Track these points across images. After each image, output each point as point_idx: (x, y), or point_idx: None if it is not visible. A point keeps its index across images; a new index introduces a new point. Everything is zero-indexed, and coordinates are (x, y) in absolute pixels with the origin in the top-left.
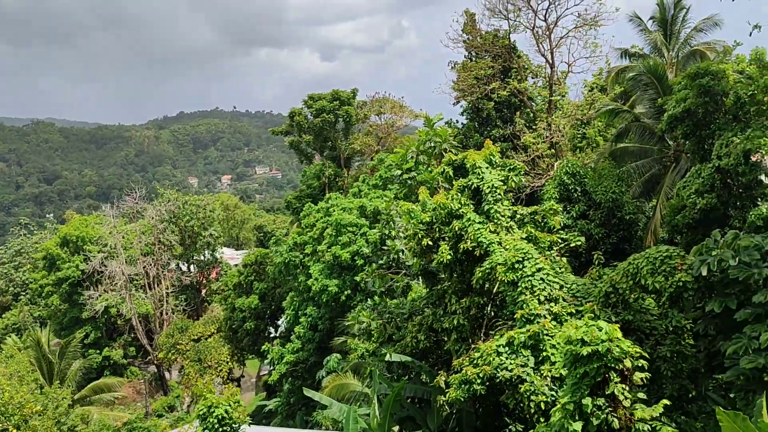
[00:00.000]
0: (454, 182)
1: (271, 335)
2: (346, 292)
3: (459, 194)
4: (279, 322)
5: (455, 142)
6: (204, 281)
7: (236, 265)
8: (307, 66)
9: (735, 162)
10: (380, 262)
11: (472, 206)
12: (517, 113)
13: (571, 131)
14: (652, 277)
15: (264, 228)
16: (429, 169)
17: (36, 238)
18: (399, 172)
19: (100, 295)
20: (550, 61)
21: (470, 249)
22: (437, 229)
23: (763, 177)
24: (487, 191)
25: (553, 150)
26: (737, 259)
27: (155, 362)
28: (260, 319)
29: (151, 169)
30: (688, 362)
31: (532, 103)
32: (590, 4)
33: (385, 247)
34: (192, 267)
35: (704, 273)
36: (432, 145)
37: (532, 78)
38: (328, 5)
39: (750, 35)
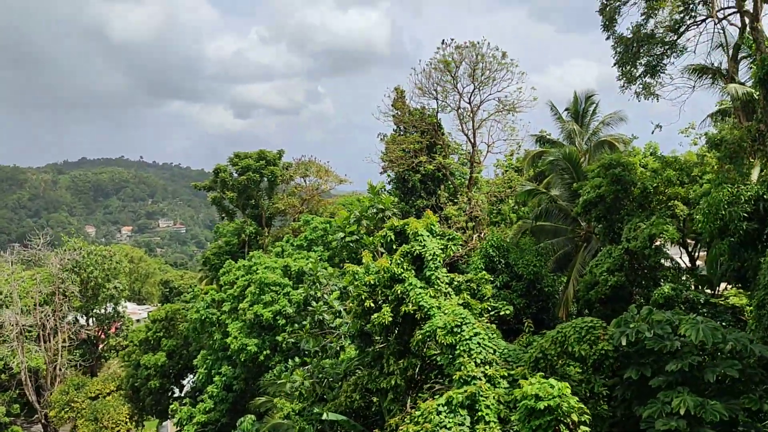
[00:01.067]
0: (394, 247)
1: (175, 395)
2: (265, 352)
3: (402, 259)
4: (184, 382)
5: (396, 210)
6: (103, 336)
7: (138, 321)
8: (220, 121)
9: (642, 245)
10: (304, 322)
11: (413, 271)
12: (441, 186)
13: (488, 207)
14: (579, 345)
15: (171, 283)
16: (368, 233)
17: None
18: (341, 234)
19: None
20: (472, 141)
21: (411, 312)
22: (380, 292)
23: (663, 260)
24: (429, 258)
25: (473, 223)
26: (652, 332)
27: (42, 421)
28: (166, 377)
29: (45, 214)
30: (605, 424)
31: (453, 178)
32: (511, 92)
33: (311, 308)
34: (91, 320)
35: (623, 343)
36: (375, 210)
37: (454, 155)
38: (246, 64)
39: (652, 132)
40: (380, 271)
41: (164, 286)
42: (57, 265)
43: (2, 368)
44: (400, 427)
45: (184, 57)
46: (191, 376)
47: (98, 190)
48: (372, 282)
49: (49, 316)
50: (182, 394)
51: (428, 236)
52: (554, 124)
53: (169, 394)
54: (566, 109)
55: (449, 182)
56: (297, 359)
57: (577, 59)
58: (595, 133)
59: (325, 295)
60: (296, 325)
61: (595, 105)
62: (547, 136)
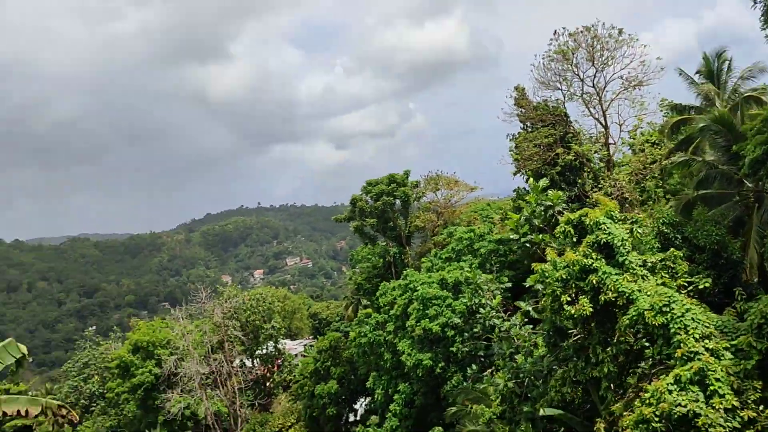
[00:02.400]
0: (574, 240)
1: (350, 419)
2: (440, 365)
3: (589, 250)
4: (357, 406)
5: (564, 205)
6: (268, 374)
7: (297, 355)
8: (322, 156)
9: None
10: (474, 330)
11: (603, 260)
12: (584, 174)
13: (632, 186)
14: None
15: (319, 315)
16: (539, 232)
17: (102, 348)
18: (516, 236)
19: (174, 398)
20: (604, 123)
21: (611, 299)
22: (573, 285)
23: None
24: (618, 244)
25: (626, 204)
26: None
27: None
28: (339, 404)
29: (184, 272)
30: None
31: (591, 164)
32: (634, 66)
33: (479, 315)
34: (256, 361)
35: None
36: (542, 208)
37: (588, 141)
38: (336, 97)
39: None
40: (569, 264)
41: (313, 318)
42: (219, 314)
43: (189, 416)
44: (630, 411)
45: (278, 103)
46: (362, 399)
47: (226, 241)
48: (563, 276)
49: (222, 362)
50: (357, 418)
51: (611, 223)
52: (686, 90)
53: (344, 419)
54: (698, 72)
55: (588, 169)
56: (474, 366)
57: (668, 19)
58: (735, 90)
59: (490, 300)
60: (466, 334)
61: (728, 62)
62: (682, 104)
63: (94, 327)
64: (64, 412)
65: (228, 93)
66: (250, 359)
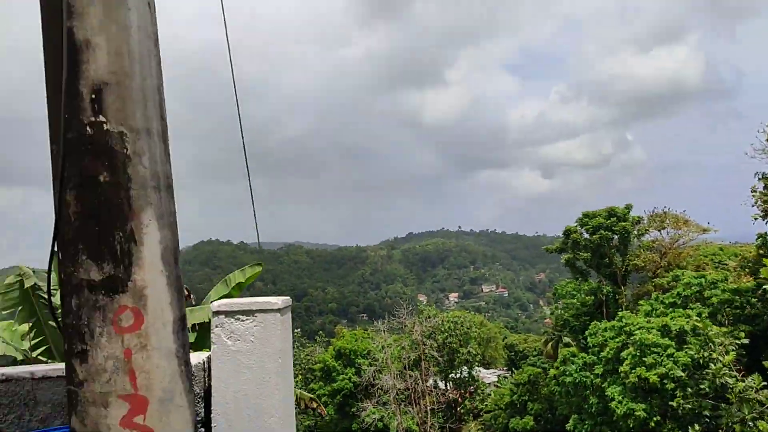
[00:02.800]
0: None
1: None
2: (655, 418)
3: None
4: None
5: None
6: (460, 399)
7: (490, 384)
8: (527, 184)
9: None
10: (700, 387)
11: None
12: None
13: None
14: None
15: (515, 347)
16: None
17: (308, 351)
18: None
19: (369, 408)
20: None
21: None
22: None
23: None
24: None
25: None
26: None
27: None
28: None
29: (384, 286)
30: None
31: None
32: None
33: (708, 370)
34: (449, 384)
35: None
36: None
37: None
38: (548, 125)
39: None
40: None
41: (509, 350)
42: (419, 332)
43: (381, 428)
44: None
45: (489, 128)
46: None
47: (426, 261)
48: None
49: (417, 380)
50: None
51: None
52: None
53: None
54: None
55: None
56: (697, 426)
57: None
58: None
59: (719, 356)
60: (689, 389)
61: None
62: None
63: (299, 329)
64: (314, 405)
65: (440, 117)
66: (444, 381)
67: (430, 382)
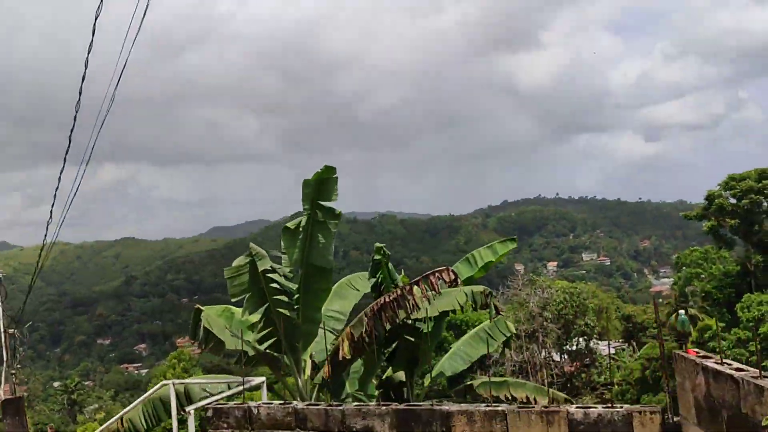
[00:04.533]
0: None
1: None
2: None
3: None
4: None
5: None
6: (575, 372)
7: (605, 356)
8: (629, 148)
9: None
10: None
11: None
12: None
13: None
14: None
15: (633, 318)
16: None
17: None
18: None
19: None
20: None
21: None
22: None
23: None
24: None
25: None
26: None
27: None
28: None
29: None
30: None
31: None
32: None
33: None
34: (564, 356)
35: None
36: None
37: None
38: (652, 85)
39: None
40: None
41: (626, 321)
42: (534, 303)
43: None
44: None
45: (588, 91)
46: None
47: (522, 229)
48: None
49: (535, 352)
50: None
51: None
52: None
53: None
54: None
55: None
56: None
57: None
58: None
59: None
60: None
61: None
62: None
63: None
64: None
65: (536, 82)
66: (559, 354)
67: (545, 354)
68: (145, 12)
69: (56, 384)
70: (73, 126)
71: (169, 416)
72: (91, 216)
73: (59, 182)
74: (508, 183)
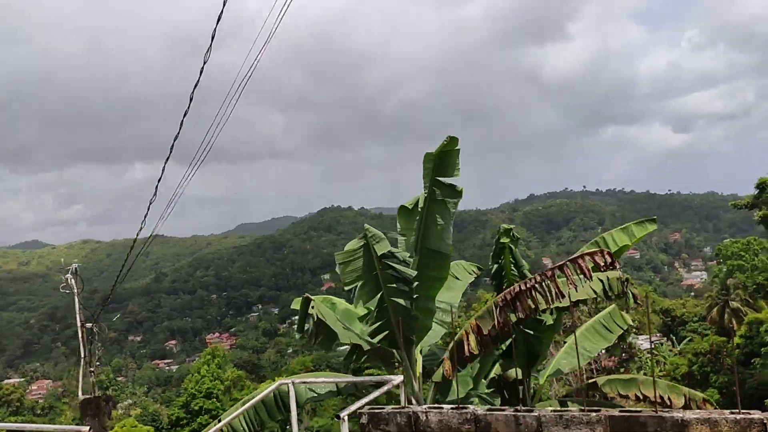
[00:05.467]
0: None
1: None
2: None
3: None
4: None
5: None
6: (614, 367)
7: (644, 351)
8: (657, 140)
9: None
10: None
11: None
12: None
13: None
14: None
15: (671, 312)
16: None
17: None
18: None
19: None
20: None
21: None
22: None
23: None
24: None
25: None
26: None
27: None
28: None
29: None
30: None
31: None
32: None
33: None
34: (602, 350)
35: None
36: None
37: None
38: (680, 76)
39: None
40: None
41: (664, 314)
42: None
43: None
44: None
45: (614, 82)
46: None
47: (549, 223)
48: None
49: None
50: None
51: None
52: None
53: None
54: None
55: None
56: None
57: None
58: None
59: None
60: None
61: None
62: None
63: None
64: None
65: (562, 73)
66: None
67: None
68: (282, 14)
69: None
70: (179, 132)
71: (273, 419)
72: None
73: (158, 183)
74: (534, 176)
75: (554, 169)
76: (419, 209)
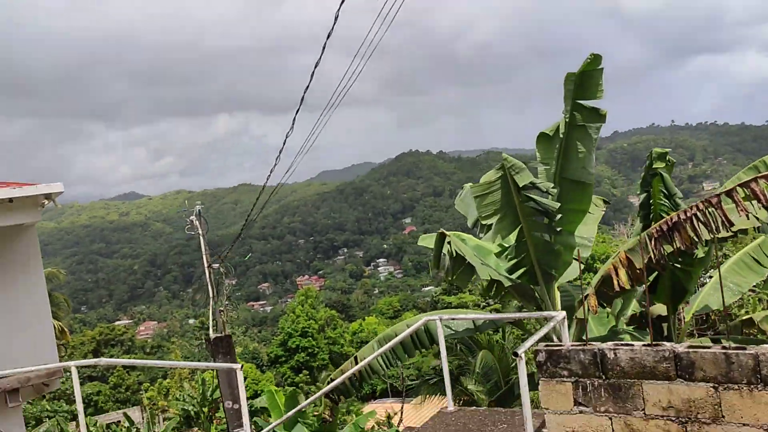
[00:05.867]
0: None
1: None
2: None
3: None
4: None
5: None
6: None
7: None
8: (752, 68)
9: None
10: None
11: None
12: None
13: None
14: None
15: None
16: None
17: None
18: None
19: None
20: None
21: None
22: None
23: None
24: None
25: None
26: None
27: None
28: None
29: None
30: None
31: None
32: None
33: None
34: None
35: None
36: None
37: None
38: None
39: None
40: None
41: None
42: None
43: None
44: None
45: (703, 9)
46: None
47: (635, 161)
48: None
49: None
50: None
51: None
52: None
53: None
54: None
55: None
56: None
57: None
58: None
59: None
60: None
61: None
62: None
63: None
64: None
65: (644, 2)
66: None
67: None
68: None
69: (191, 321)
70: (309, 82)
71: (409, 355)
72: (208, 165)
73: (288, 134)
74: (617, 113)
75: (639, 104)
76: (560, 135)
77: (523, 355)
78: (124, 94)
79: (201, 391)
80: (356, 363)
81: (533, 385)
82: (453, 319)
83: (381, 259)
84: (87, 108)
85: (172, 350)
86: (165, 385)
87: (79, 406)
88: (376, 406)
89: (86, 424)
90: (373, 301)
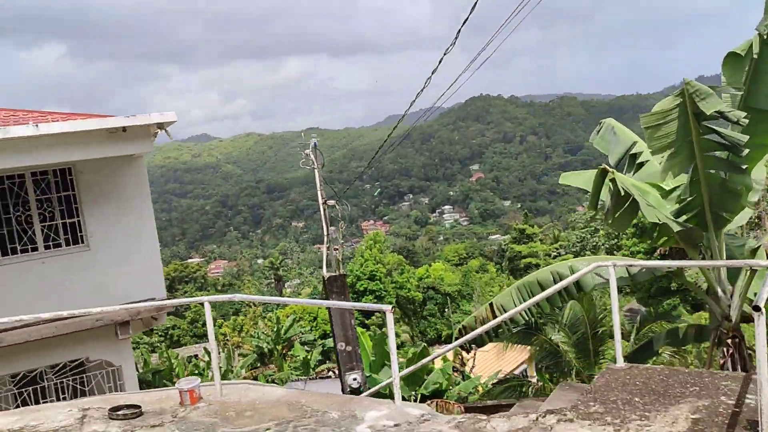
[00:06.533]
0: None
1: None
2: None
3: None
4: None
5: None
6: None
7: None
8: None
9: None
10: None
11: None
12: None
13: None
14: None
15: None
16: None
17: None
18: None
19: None
20: None
21: None
22: None
23: None
24: None
25: None
26: None
27: None
28: None
29: None
30: None
31: None
32: None
33: None
34: None
35: None
36: None
37: None
38: None
39: None
40: None
41: None
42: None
43: None
44: None
45: None
46: None
47: None
48: None
49: None
50: None
51: None
52: None
53: None
54: None
55: None
56: None
57: None
58: None
59: None
60: None
61: None
62: None
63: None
64: None
65: None
66: None
67: None
68: None
69: (260, 261)
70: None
71: (553, 304)
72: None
73: (432, 74)
74: (703, 55)
75: (727, 45)
76: (753, 55)
77: (763, 310)
78: (197, 37)
79: (275, 329)
80: (491, 309)
81: None
82: (631, 265)
83: (447, 206)
84: (162, 50)
85: (242, 288)
86: (240, 321)
87: (212, 343)
88: (445, 352)
89: (168, 356)
90: (438, 247)
